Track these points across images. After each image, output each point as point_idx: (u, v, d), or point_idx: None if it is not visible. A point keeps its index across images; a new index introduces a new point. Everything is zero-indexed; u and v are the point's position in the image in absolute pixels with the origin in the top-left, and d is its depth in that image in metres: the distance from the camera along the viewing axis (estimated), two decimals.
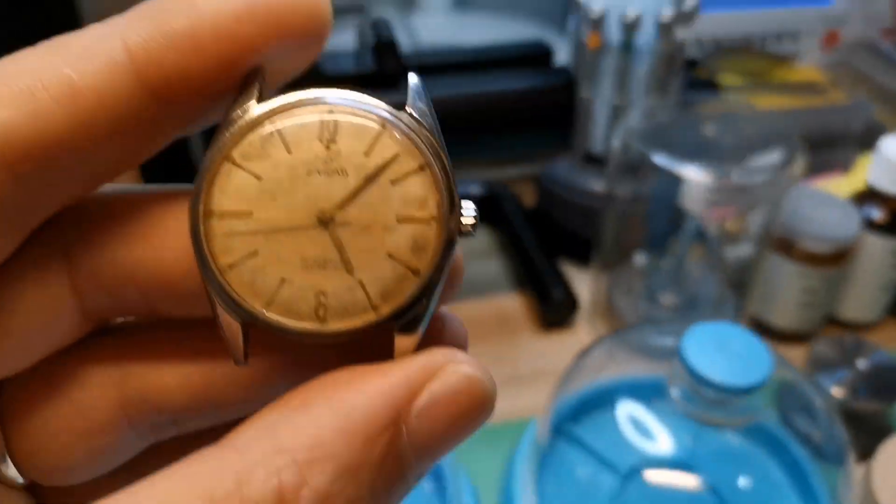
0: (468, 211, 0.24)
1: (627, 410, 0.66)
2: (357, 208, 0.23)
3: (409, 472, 0.22)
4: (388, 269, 0.23)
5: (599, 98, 0.85)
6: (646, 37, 0.80)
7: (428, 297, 0.23)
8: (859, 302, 0.84)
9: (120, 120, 0.21)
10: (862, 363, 0.74)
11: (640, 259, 0.88)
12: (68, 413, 0.25)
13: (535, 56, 0.77)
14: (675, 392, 0.60)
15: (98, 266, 0.24)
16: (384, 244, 0.23)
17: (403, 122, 0.23)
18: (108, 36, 0.21)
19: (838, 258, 0.78)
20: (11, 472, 0.25)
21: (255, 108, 0.23)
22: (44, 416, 0.25)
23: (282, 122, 0.23)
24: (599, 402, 0.67)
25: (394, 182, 0.23)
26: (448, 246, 0.23)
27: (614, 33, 0.81)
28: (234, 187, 0.23)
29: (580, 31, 0.85)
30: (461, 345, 0.25)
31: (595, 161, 0.90)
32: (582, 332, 0.84)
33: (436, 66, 0.83)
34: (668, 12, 0.78)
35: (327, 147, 0.23)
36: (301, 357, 0.26)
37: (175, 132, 0.24)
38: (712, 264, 0.85)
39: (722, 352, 0.57)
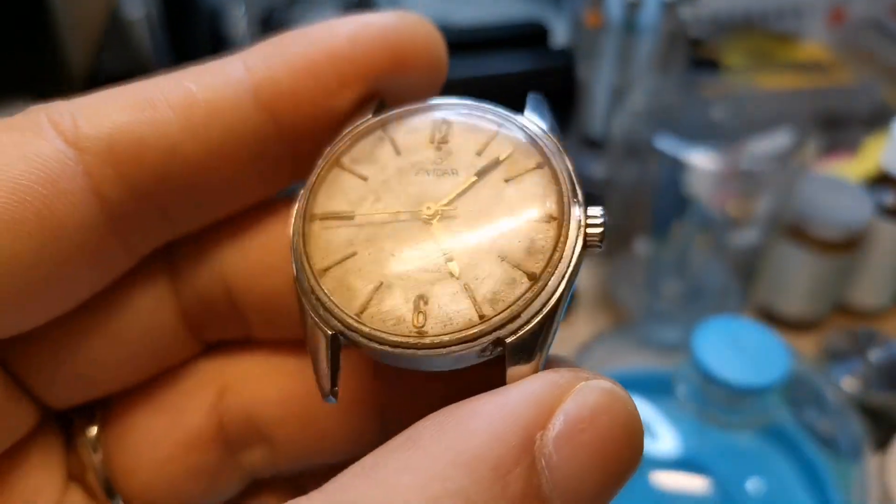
0: (594, 217, 0.20)
1: None
2: (465, 205, 0.20)
3: None
4: (497, 271, 0.20)
5: (599, 79, 0.82)
6: (649, 15, 0.77)
7: (545, 312, 0.19)
8: (870, 288, 0.81)
9: (234, 133, 0.21)
10: (875, 354, 0.71)
11: (642, 247, 0.85)
12: (168, 421, 0.25)
13: (531, 36, 0.74)
14: (682, 391, 0.57)
15: (197, 274, 0.24)
16: (495, 245, 0.20)
17: (520, 124, 0.21)
18: (232, 59, 0.22)
19: (850, 245, 0.75)
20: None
21: (370, 119, 0.22)
22: (144, 426, 0.25)
23: (394, 128, 0.22)
24: None
25: (508, 180, 0.21)
26: (571, 251, 0.20)
27: (615, 11, 0.77)
28: (339, 190, 0.22)
29: (579, 9, 0.81)
30: None
31: (594, 145, 0.86)
32: (581, 325, 0.81)
33: None
34: None
35: (438, 148, 0.21)
36: (407, 397, 0.24)
37: (291, 169, 0.23)
38: (717, 251, 0.82)
39: (734, 349, 0.53)
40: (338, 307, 0.20)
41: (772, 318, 0.82)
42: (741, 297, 0.81)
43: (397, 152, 0.22)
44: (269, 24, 0.80)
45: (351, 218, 0.21)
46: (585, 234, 0.20)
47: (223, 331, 0.26)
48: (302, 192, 0.22)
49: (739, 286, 0.82)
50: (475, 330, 0.19)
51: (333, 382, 0.21)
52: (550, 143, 0.21)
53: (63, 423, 0.25)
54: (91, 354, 0.23)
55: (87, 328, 0.23)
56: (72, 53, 0.98)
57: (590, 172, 0.85)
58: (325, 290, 0.21)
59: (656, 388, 0.62)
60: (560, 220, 0.20)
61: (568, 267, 0.20)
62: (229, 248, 0.24)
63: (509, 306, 0.19)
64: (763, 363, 0.53)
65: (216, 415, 0.25)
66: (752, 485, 0.61)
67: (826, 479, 0.61)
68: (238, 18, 0.78)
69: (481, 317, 0.19)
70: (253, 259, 0.24)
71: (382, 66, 0.22)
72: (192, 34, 0.86)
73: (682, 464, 0.60)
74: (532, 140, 0.21)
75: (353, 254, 0.21)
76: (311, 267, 0.21)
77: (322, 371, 0.21)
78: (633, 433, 0.18)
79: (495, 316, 0.19)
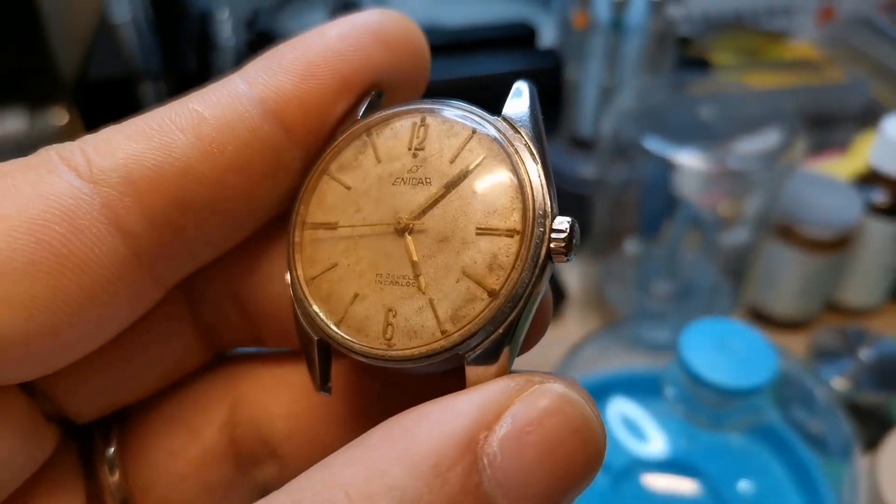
0: (560, 226, 0.20)
1: (620, 409, 0.63)
2: (435, 218, 0.21)
3: None
4: (460, 288, 0.20)
5: (587, 79, 0.82)
6: (636, 14, 0.76)
7: (505, 324, 0.20)
8: (860, 287, 0.81)
9: (246, 147, 0.21)
10: (865, 353, 0.71)
11: (631, 246, 0.85)
12: (184, 438, 0.25)
13: (518, 37, 0.73)
14: (670, 393, 0.57)
15: (208, 282, 0.24)
16: (460, 259, 0.20)
17: (495, 128, 0.21)
18: (230, 78, 0.22)
19: (840, 243, 0.75)
20: None
21: (357, 122, 0.23)
22: (161, 443, 0.25)
23: (376, 133, 0.22)
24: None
25: (476, 191, 0.21)
26: (532, 265, 0.20)
27: (603, 11, 0.77)
28: (325, 199, 0.22)
29: (566, 10, 0.81)
30: None
31: (583, 145, 0.86)
32: (571, 325, 0.81)
33: None
34: None
35: (415, 154, 0.22)
36: (403, 398, 0.24)
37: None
38: (707, 251, 0.82)
39: (722, 351, 0.53)
40: (319, 316, 0.22)
41: (762, 318, 0.82)
42: (731, 297, 0.81)
43: (378, 160, 0.22)
44: (254, 27, 0.79)
45: (335, 228, 0.22)
46: (549, 248, 0.20)
47: (235, 339, 0.26)
48: (296, 197, 0.23)
49: (729, 286, 0.81)
50: (437, 345, 0.20)
51: (324, 380, 0.23)
52: (524, 147, 0.21)
53: (80, 446, 0.25)
54: (112, 367, 0.24)
55: (114, 344, 0.23)
56: (61, 58, 0.97)
57: (579, 173, 0.85)
58: (310, 299, 0.22)
59: (646, 388, 0.62)
60: (522, 234, 0.20)
61: (529, 282, 0.20)
62: (236, 255, 0.24)
63: (468, 324, 0.20)
64: (750, 365, 0.53)
65: (228, 430, 0.25)
66: (743, 485, 0.61)
67: (817, 480, 0.61)
68: (223, 22, 0.78)
69: (443, 332, 0.20)
70: (258, 264, 0.24)
71: (376, 59, 0.23)
72: (180, 37, 0.86)
73: (673, 465, 0.60)
74: (505, 145, 0.21)
75: (335, 264, 0.22)
76: (299, 276, 0.22)
77: (314, 370, 0.23)
78: (588, 437, 0.18)
79: (455, 333, 0.20)
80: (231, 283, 0.25)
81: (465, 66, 0.74)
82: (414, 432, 0.17)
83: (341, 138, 0.23)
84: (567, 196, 0.85)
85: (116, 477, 0.25)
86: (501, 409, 0.18)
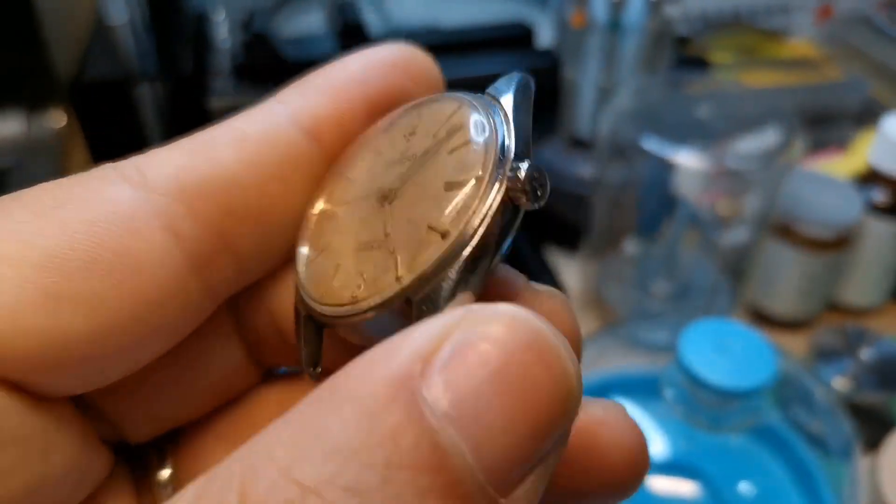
0: (516, 169, 0.20)
1: None
2: (413, 184, 0.21)
3: (457, 461, 0.14)
4: (420, 236, 0.20)
5: (585, 79, 0.81)
6: (634, 14, 0.76)
7: (457, 267, 0.19)
8: (861, 287, 0.81)
9: (286, 160, 0.23)
10: (865, 353, 0.71)
11: (630, 246, 0.85)
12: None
13: (515, 37, 0.73)
14: (669, 394, 0.56)
15: (250, 307, 0.25)
16: (425, 214, 0.20)
17: (478, 102, 0.22)
18: (265, 102, 0.24)
19: (840, 243, 0.75)
20: None
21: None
22: (214, 463, 0.24)
23: (383, 129, 0.23)
24: None
25: (451, 151, 0.21)
26: (488, 206, 0.19)
27: (600, 11, 0.77)
28: (332, 193, 0.23)
29: (564, 10, 0.80)
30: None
31: (581, 145, 0.86)
32: None
33: None
34: None
35: (407, 139, 0.22)
36: None
37: None
38: (707, 250, 0.82)
39: (721, 352, 0.53)
40: (305, 289, 0.22)
41: (762, 318, 0.82)
42: (731, 297, 0.81)
43: (379, 154, 0.23)
44: (250, 28, 0.79)
45: (335, 216, 0.23)
46: (507, 188, 0.19)
47: (278, 356, 0.26)
48: (312, 198, 0.24)
49: (729, 285, 0.81)
50: (389, 291, 0.20)
51: (313, 361, 0.23)
52: (501, 114, 0.21)
53: (132, 467, 0.25)
54: (167, 382, 0.24)
55: (170, 359, 0.23)
56: (58, 60, 0.97)
57: (577, 172, 0.84)
58: (303, 280, 0.22)
59: (645, 389, 0.61)
60: (481, 180, 0.20)
61: (481, 222, 0.19)
62: (273, 274, 0.25)
63: (419, 267, 0.19)
64: (750, 365, 0.52)
65: None
66: (744, 487, 0.61)
67: (817, 480, 0.60)
68: (219, 24, 0.78)
69: (397, 279, 0.20)
70: (289, 282, 0.25)
71: (398, 85, 0.24)
72: (176, 39, 0.86)
73: (672, 467, 0.60)
74: (487, 111, 0.21)
75: (329, 244, 0.22)
76: (298, 258, 0.23)
77: (300, 348, 0.23)
78: (545, 350, 0.15)
79: (408, 280, 0.19)
80: (267, 300, 0.25)
81: (463, 67, 0.74)
82: (343, 384, 0.16)
83: (354, 143, 0.24)
84: (565, 196, 0.85)
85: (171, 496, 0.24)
86: (440, 341, 0.15)
